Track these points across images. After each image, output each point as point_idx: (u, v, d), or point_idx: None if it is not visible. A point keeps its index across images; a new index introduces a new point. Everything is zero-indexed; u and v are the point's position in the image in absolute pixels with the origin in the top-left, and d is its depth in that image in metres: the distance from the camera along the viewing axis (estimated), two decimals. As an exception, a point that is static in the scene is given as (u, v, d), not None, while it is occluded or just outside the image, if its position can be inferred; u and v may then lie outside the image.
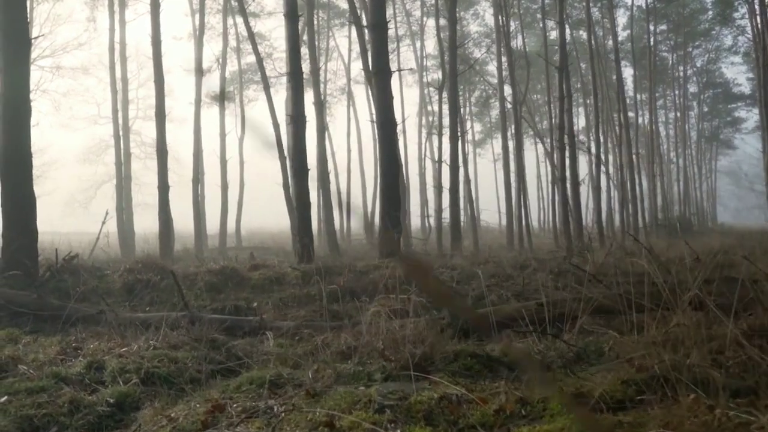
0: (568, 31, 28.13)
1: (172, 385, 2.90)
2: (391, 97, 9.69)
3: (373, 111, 30.46)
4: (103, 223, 13.73)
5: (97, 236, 12.92)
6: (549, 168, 41.57)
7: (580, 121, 40.60)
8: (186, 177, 20.56)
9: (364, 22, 15.94)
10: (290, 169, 8.78)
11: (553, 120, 28.95)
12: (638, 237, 23.98)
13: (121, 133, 18.53)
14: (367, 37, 15.17)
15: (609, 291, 5.82)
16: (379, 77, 9.56)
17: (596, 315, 5.03)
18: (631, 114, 37.87)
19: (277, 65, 28.14)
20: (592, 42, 24.43)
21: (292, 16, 8.66)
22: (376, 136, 9.57)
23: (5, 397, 2.72)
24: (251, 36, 14.64)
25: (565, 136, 19.21)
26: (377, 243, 9.72)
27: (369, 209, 29.06)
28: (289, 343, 4.34)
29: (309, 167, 19.17)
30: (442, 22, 23.47)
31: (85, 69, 26.80)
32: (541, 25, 34.81)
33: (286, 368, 2.99)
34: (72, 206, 32.98)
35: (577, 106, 39.74)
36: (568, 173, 19.28)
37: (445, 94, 21.60)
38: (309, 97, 33.55)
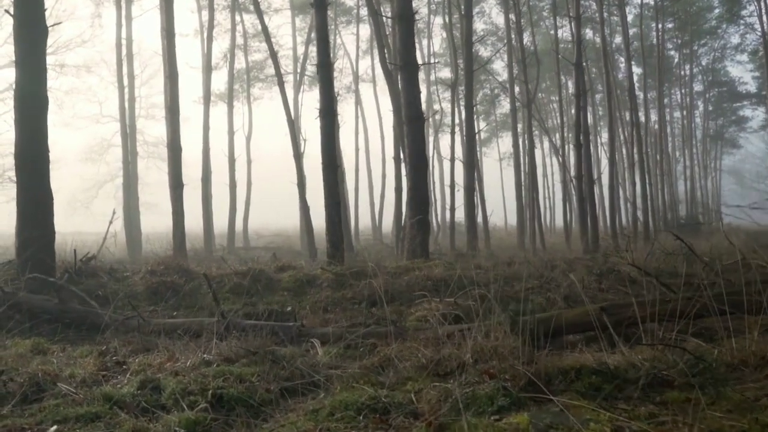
0: (570, 30, 27.81)
1: (249, 409, 2.48)
2: (419, 91, 9.26)
3: (380, 109, 29.94)
4: (110, 222, 13.32)
5: (104, 236, 12.49)
6: (556, 166, 41.26)
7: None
8: (190, 176, 20.12)
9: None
10: (321, 165, 8.35)
11: (565, 117, 28.57)
12: (650, 237, 23.66)
13: (128, 131, 18.07)
14: (381, 30, 14.78)
15: (673, 294, 5.43)
16: (407, 70, 9.13)
17: (666, 320, 4.62)
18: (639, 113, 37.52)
19: (283, 63, 27.67)
20: (604, 40, 24.02)
21: (320, 4, 8.22)
22: (405, 133, 9.13)
23: (54, 427, 2.30)
24: (265, 30, 14.19)
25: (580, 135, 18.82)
26: (405, 243, 9.28)
27: (377, 208, 28.66)
28: (346, 353, 3.92)
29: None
30: (453, 19, 23.07)
31: (88, 67, 26.39)
32: (547, 23, 34.54)
33: (377, 388, 2.57)
34: (74, 206, 32.57)
35: (581, 105, 39.31)
36: (584, 171, 18.89)
37: (458, 91, 21.23)
38: (316, 95, 33.18)
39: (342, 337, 4.92)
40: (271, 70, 29.06)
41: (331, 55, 27.02)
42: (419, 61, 30.67)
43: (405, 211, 15.24)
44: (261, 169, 28.17)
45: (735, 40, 39.42)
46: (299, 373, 3.14)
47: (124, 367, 3.26)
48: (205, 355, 3.18)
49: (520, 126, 27.79)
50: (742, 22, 36.86)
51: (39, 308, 5.21)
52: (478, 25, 35.55)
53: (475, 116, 36.41)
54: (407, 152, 9.09)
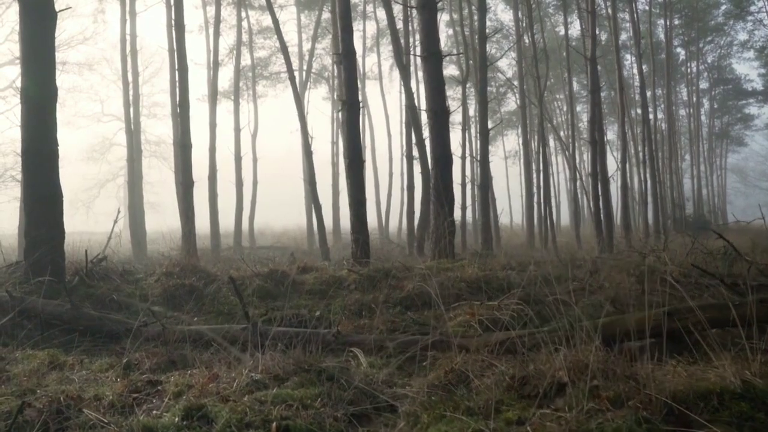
0: (580, 25, 27.38)
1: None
2: (444, 83, 8.82)
3: (387, 106, 29.40)
4: (115, 222, 12.89)
5: (109, 236, 12.08)
6: (561, 164, 40.87)
7: (587, 118, 39.89)
8: (195, 174, 19.62)
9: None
10: (345, 160, 7.93)
11: (570, 115, 28.10)
12: (661, 235, 23.24)
13: (133, 128, 17.61)
14: (398, 25, 14.35)
15: (741, 297, 5.01)
16: (430, 61, 8.68)
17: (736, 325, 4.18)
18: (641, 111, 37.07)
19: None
20: (616, 35, 23.60)
21: (342, -11, 7.81)
22: (428, 127, 8.70)
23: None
24: (275, 23, 13.72)
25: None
26: (431, 243, 8.84)
27: (384, 207, 28.24)
28: (391, 362, 3.49)
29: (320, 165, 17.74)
30: (463, 14, 22.65)
31: (89, 65, 25.98)
32: (553, 20, 34.10)
33: (476, 418, 2.14)
34: (75, 206, 32.13)
35: (586, 102, 39.02)
36: (598, 169, 18.49)
37: (469, 86, 20.80)
38: (321, 93, 32.69)
39: (383, 345, 4.51)
40: (276, 68, 28.67)
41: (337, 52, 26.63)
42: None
43: (420, 209, 14.82)
44: (262, 167, 27.76)
45: (741, 36, 39.01)
46: (361, 394, 2.71)
47: (158, 388, 2.81)
48: (252, 374, 2.74)
49: (527, 122, 27.30)
50: (750, 18, 36.51)
51: (51, 314, 4.78)
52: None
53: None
54: (431, 147, 8.66)
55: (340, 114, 24.91)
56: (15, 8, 20.78)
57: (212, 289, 6.15)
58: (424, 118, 15.95)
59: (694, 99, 41.01)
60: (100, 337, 4.68)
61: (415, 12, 18.80)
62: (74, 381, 3.04)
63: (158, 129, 41.30)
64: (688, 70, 39.86)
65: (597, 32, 31.80)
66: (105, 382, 3.07)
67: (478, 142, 17.10)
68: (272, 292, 6.25)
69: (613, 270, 8.31)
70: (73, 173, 31.69)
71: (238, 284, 6.54)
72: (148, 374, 3.08)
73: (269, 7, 13.34)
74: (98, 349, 4.30)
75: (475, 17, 23.16)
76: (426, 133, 15.38)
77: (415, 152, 15.73)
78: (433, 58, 8.72)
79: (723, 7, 36.45)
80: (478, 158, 16.28)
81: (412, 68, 18.71)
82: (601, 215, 17.72)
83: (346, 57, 7.77)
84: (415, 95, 17.14)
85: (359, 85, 29.51)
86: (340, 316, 5.36)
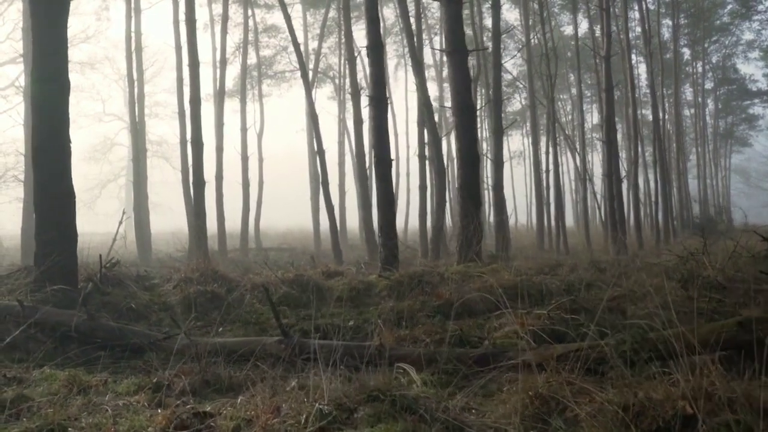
0: (586, 24, 27.03)
1: None
2: (470, 80, 8.43)
3: (393, 106, 28.90)
4: (120, 222, 12.50)
5: (114, 237, 11.71)
6: (564, 165, 40.50)
7: (593, 118, 39.62)
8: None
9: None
10: (373, 158, 7.57)
11: (575, 114, 27.79)
12: (670, 238, 22.88)
13: (138, 127, 17.18)
14: (410, 21, 13.97)
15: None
16: (455, 56, 8.29)
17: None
18: (645, 111, 36.75)
19: (292, 59, 26.79)
20: (627, 33, 23.26)
21: (367, -20, 7.43)
22: (454, 125, 8.33)
23: None
24: (287, 19, 13.34)
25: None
26: (458, 246, 8.44)
27: (390, 208, 27.80)
28: (443, 380, 3.10)
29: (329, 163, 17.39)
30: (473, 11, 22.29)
31: (91, 64, 25.61)
32: (558, 19, 33.75)
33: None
34: (77, 206, 31.67)
35: (590, 102, 38.69)
36: (612, 169, 18.18)
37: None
38: (326, 92, 32.30)
39: (433, 359, 4.12)
40: (281, 66, 28.29)
41: (340, 52, 26.19)
42: (430, 58, 29.66)
43: (435, 211, 14.44)
44: (265, 167, 27.35)
45: (747, 36, 38.74)
46: (445, 428, 2.31)
47: (209, 422, 2.41)
48: (320, 405, 2.34)
49: (530, 123, 26.94)
50: (756, 18, 36.27)
51: (67, 326, 4.38)
52: (488, 21, 34.63)
53: (485, 115, 35.60)
54: (458, 145, 8.27)
55: (347, 113, 24.55)
56: (16, 6, 20.29)
57: (235, 296, 5.75)
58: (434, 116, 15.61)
59: (699, 99, 40.68)
60: (120, 350, 4.28)
61: (422, 9, 18.48)
62: (104, 409, 2.64)
63: (160, 129, 40.92)
64: (693, 70, 39.57)
65: (626, 29, 31.57)
66: (139, 410, 2.68)
67: (491, 141, 16.69)
68: (300, 299, 5.87)
69: (642, 272, 7.90)
70: (74, 173, 31.21)
71: (262, 291, 6.15)
72: (191, 402, 2.67)
73: (281, 4, 12.94)
74: (121, 366, 3.89)
75: (484, 14, 22.82)
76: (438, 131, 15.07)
77: (427, 151, 15.39)
78: (458, 53, 8.33)
79: (729, 7, 36.20)
80: (491, 157, 15.87)
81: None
82: (616, 216, 17.39)
83: (373, 50, 7.37)
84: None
85: (363, 84, 29.16)
86: (381, 326, 4.96)
